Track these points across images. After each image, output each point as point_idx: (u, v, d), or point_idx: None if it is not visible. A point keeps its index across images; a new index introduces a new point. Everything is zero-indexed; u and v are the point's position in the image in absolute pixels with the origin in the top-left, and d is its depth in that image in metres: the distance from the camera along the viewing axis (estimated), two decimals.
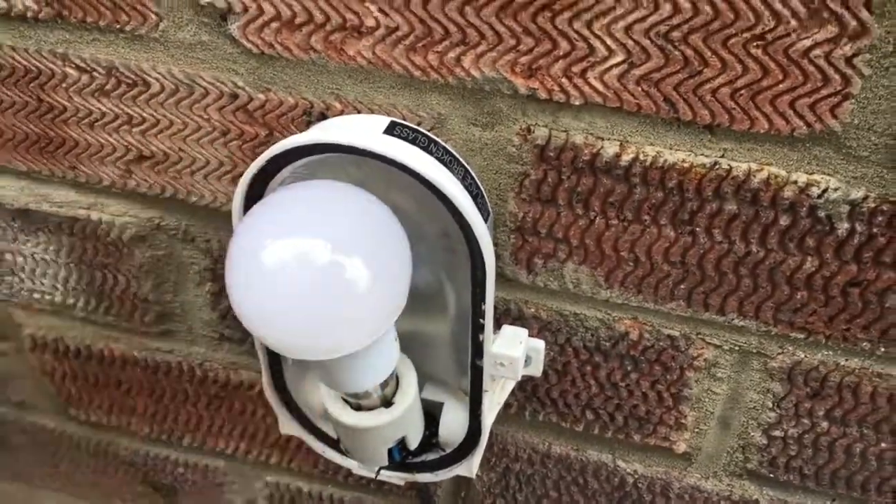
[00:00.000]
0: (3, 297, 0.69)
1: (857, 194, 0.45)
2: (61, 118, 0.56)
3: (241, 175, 0.55)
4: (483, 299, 0.47)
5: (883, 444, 0.55)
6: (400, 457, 0.57)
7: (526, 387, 0.60)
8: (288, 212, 0.44)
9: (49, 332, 0.71)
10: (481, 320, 0.49)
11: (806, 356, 0.52)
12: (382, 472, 0.61)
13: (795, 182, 0.45)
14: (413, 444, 0.57)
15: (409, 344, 0.53)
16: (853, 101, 0.42)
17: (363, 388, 0.50)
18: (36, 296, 0.68)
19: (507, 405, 0.61)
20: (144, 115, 0.54)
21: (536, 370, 0.56)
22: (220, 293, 0.63)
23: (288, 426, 0.61)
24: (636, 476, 0.63)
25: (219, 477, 0.78)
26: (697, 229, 0.49)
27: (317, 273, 0.42)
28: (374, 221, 0.44)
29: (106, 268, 0.64)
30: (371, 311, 0.44)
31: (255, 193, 0.48)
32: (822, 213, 0.46)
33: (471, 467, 0.58)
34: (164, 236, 0.61)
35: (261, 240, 0.43)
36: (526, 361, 0.56)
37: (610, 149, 0.47)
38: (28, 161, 0.59)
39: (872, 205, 0.45)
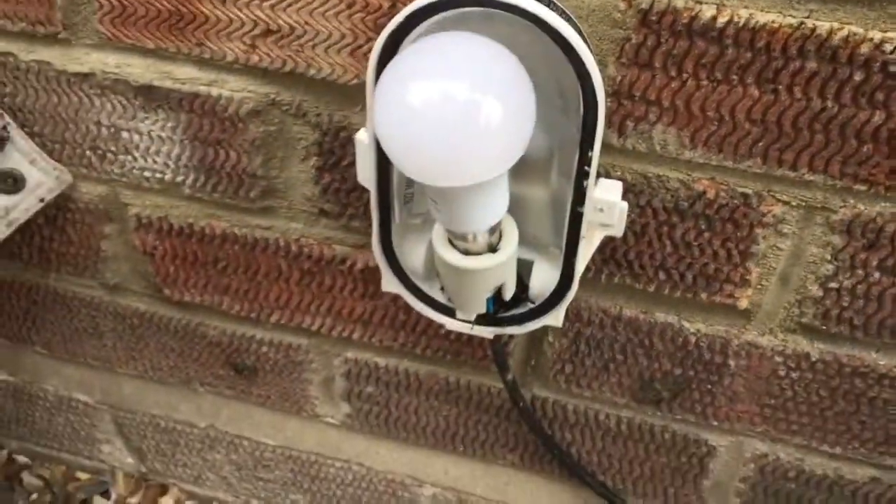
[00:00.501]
0: (115, 178, 0.75)
1: None
2: None
3: (360, 48, 0.61)
4: (591, 146, 0.53)
5: None
6: (494, 307, 0.64)
7: (605, 250, 0.67)
8: (428, 56, 0.50)
9: (155, 212, 0.77)
10: (587, 167, 0.55)
11: (866, 208, 0.59)
12: (475, 327, 0.67)
13: (871, 39, 0.52)
14: (508, 294, 0.64)
15: (509, 207, 0.60)
16: None
17: (476, 228, 0.57)
18: (146, 174, 0.74)
19: (585, 269, 0.67)
20: None
21: (618, 230, 0.63)
22: (323, 167, 0.69)
23: (390, 283, 0.67)
24: (699, 335, 0.70)
25: (300, 355, 0.84)
26: (780, 87, 0.55)
27: (455, 108, 0.48)
28: (505, 66, 0.50)
29: (219, 144, 0.70)
30: (500, 145, 0.50)
31: (388, 55, 0.54)
32: (893, 69, 0.53)
33: (558, 317, 0.65)
34: (278, 111, 0.67)
35: (405, 81, 0.49)
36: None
37: (707, 12, 0.53)
38: (157, 38, 0.65)
39: None
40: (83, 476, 1.05)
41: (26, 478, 1.04)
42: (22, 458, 1.06)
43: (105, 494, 1.04)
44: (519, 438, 0.85)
